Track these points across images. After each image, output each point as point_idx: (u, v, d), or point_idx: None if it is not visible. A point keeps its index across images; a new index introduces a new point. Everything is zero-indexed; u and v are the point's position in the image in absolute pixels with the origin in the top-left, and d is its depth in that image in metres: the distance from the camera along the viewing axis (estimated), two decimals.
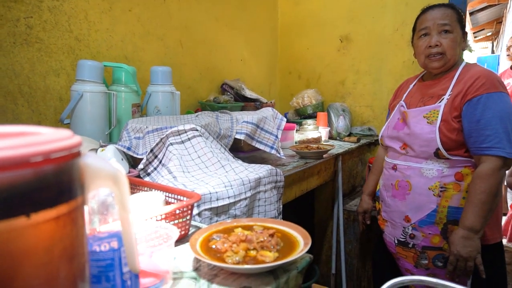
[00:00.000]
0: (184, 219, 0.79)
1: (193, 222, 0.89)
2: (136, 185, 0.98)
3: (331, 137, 2.48)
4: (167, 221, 0.74)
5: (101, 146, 1.25)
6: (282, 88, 3.19)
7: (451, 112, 1.21)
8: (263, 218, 0.84)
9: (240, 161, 1.25)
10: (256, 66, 2.91)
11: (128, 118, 1.58)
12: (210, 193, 0.99)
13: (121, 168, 0.40)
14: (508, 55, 3.89)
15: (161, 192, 0.91)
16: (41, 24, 1.46)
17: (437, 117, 1.23)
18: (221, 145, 1.29)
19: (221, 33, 2.49)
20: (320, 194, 2.26)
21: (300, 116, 2.69)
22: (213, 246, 0.68)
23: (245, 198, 1.08)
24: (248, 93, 2.31)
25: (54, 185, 0.31)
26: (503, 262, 1.29)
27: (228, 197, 1.03)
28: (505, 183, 1.88)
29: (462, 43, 1.31)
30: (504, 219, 2.70)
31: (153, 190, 0.93)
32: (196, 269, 0.66)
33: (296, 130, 2.15)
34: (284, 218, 1.23)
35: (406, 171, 1.31)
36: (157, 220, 0.72)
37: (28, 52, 1.42)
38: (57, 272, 0.32)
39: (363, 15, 2.67)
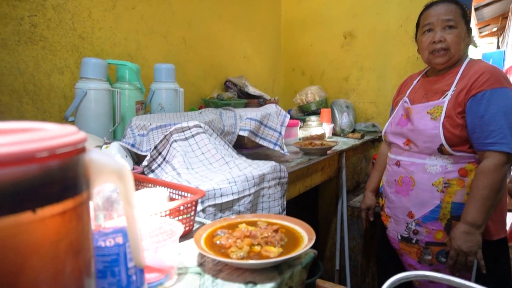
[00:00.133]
0: (188, 215, 0.79)
1: (197, 218, 0.90)
2: (140, 181, 0.98)
3: (335, 134, 2.47)
4: (171, 217, 0.75)
5: (105, 143, 1.26)
6: (285, 84, 3.18)
7: (455, 108, 1.21)
8: (267, 214, 0.84)
9: (244, 158, 1.25)
10: (260, 63, 2.91)
11: (132, 115, 1.58)
12: (214, 190, 1.00)
13: (126, 164, 0.40)
14: None
15: (165, 188, 0.91)
16: (45, 23, 1.46)
17: (441, 113, 1.22)
18: (225, 142, 1.29)
19: (224, 30, 2.49)
20: (324, 191, 2.26)
21: (304, 112, 2.68)
22: (218, 242, 0.69)
23: (249, 194, 1.08)
24: (252, 90, 2.31)
25: (60, 180, 0.32)
26: (507, 258, 1.28)
27: (232, 194, 1.03)
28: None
29: (466, 39, 1.30)
30: (510, 215, 2.68)
31: (157, 186, 0.93)
32: (200, 265, 0.66)
33: (300, 127, 2.14)
34: (288, 214, 1.23)
35: (409, 167, 1.31)
36: (161, 216, 0.72)
37: (33, 50, 1.43)
38: (63, 266, 0.32)
39: (367, 11, 2.65)
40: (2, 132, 0.34)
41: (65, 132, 0.33)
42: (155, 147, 1.18)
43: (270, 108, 1.59)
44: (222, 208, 1.02)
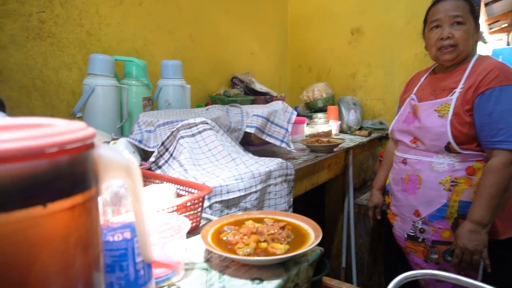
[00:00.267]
0: (195, 211, 0.79)
1: (204, 215, 0.90)
2: (147, 177, 0.99)
3: (341, 131, 2.46)
4: (178, 213, 0.75)
5: (113, 139, 1.27)
6: (292, 81, 3.17)
7: (463, 106, 1.19)
8: (274, 211, 0.84)
9: (250, 155, 1.25)
10: (266, 59, 2.90)
11: (139, 111, 1.59)
12: (221, 186, 1.00)
13: (134, 160, 0.41)
14: None
15: (173, 184, 0.91)
16: (53, 19, 1.47)
17: (449, 110, 1.21)
18: (232, 139, 1.29)
19: (231, 27, 2.48)
20: (330, 188, 2.25)
21: (311, 109, 2.67)
22: (224, 238, 0.69)
23: (256, 191, 1.08)
24: (258, 87, 2.31)
25: (69, 175, 0.32)
26: None
27: (239, 190, 1.03)
28: None
29: (475, 35, 1.28)
30: None
31: (165, 182, 0.94)
32: (207, 260, 0.67)
33: (307, 124, 2.14)
34: (294, 212, 1.23)
35: (416, 165, 1.30)
36: (168, 212, 0.73)
37: (41, 46, 1.44)
38: (73, 260, 0.33)
39: (375, 7, 2.63)
40: (13, 127, 0.34)
41: (74, 127, 0.33)
42: (162, 143, 1.19)
43: (277, 105, 1.58)
44: (229, 204, 1.02)
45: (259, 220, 0.77)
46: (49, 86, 1.48)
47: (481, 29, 1.38)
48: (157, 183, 0.95)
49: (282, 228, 0.71)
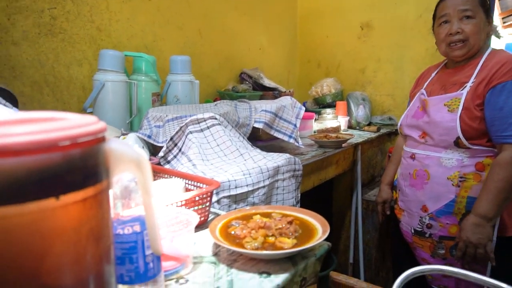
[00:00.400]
0: (203, 206, 0.80)
1: (212, 209, 0.91)
2: (156, 172, 1.00)
3: (350, 127, 2.45)
4: (187, 207, 0.76)
5: (123, 134, 1.28)
6: (301, 77, 3.16)
7: (474, 100, 1.18)
8: (282, 206, 0.84)
9: (258, 150, 1.25)
10: (275, 54, 2.89)
11: (148, 107, 1.60)
12: (229, 181, 1.01)
13: (144, 153, 0.41)
14: None
15: (181, 179, 0.92)
16: (64, 15, 1.49)
17: (459, 105, 1.19)
18: (240, 134, 1.30)
19: (240, 22, 2.48)
20: (338, 184, 2.25)
21: (319, 105, 2.66)
22: (232, 232, 0.70)
23: (263, 186, 1.09)
24: (267, 82, 2.30)
25: (81, 168, 0.33)
26: None
27: (247, 185, 1.04)
28: None
29: (486, 28, 1.25)
30: None
31: (173, 177, 0.95)
32: (215, 254, 0.67)
33: (315, 119, 2.13)
34: (302, 207, 1.23)
35: (424, 160, 1.29)
36: (177, 206, 0.74)
37: (53, 42, 1.46)
38: (85, 251, 0.33)
39: (385, 1, 2.60)
40: (26, 121, 0.35)
41: (86, 121, 0.34)
42: (171, 139, 1.20)
43: (285, 100, 1.58)
44: (237, 199, 1.03)
45: (267, 215, 0.77)
46: (60, 82, 1.50)
47: (494, 23, 1.36)
48: (166, 177, 0.96)
49: (290, 222, 0.72)
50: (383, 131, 2.36)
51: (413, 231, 1.33)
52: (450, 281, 1.26)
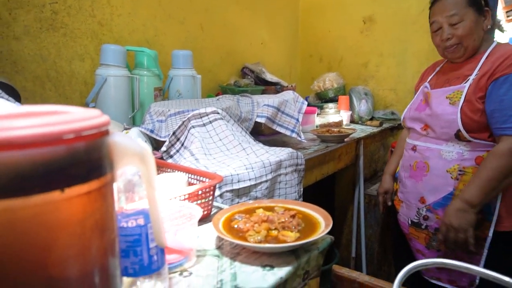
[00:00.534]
0: (206, 200, 0.81)
1: (215, 203, 0.91)
2: (159, 166, 1.00)
3: (352, 121, 2.44)
4: (190, 201, 0.76)
5: (125, 129, 1.28)
6: (303, 71, 3.15)
7: (476, 93, 1.18)
8: (284, 200, 0.84)
9: (261, 144, 1.26)
10: (277, 49, 2.88)
11: (150, 101, 1.60)
12: (232, 175, 1.01)
13: (148, 147, 0.41)
14: None
15: (184, 173, 0.93)
16: (66, 10, 1.48)
17: (460, 97, 1.19)
18: (242, 128, 1.30)
19: (242, 16, 2.47)
20: (341, 178, 2.25)
21: (321, 99, 2.66)
22: (235, 226, 0.70)
23: (266, 181, 1.09)
24: (269, 77, 2.30)
25: (85, 161, 0.33)
26: None
27: (249, 179, 1.04)
28: None
29: (481, 24, 1.24)
30: None
31: (176, 171, 0.95)
32: (218, 247, 0.68)
33: (317, 114, 2.13)
34: (304, 201, 1.24)
35: (425, 152, 1.29)
36: (180, 200, 0.74)
37: (54, 37, 1.46)
38: (90, 244, 0.34)
39: None
40: (31, 114, 0.35)
41: (90, 115, 0.34)
42: (174, 133, 1.20)
43: (288, 94, 1.58)
44: (240, 193, 1.03)
45: (270, 209, 0.77)
46: (62, 77, 1.50)
47: (498, 17, 1.35)
48: (169, 172, 0.97)
49: (293, 216, 0.72)
50: (385, 125, 2.35)
51: (410, 222, 1.34)
52: (442, 273, 1.27)
